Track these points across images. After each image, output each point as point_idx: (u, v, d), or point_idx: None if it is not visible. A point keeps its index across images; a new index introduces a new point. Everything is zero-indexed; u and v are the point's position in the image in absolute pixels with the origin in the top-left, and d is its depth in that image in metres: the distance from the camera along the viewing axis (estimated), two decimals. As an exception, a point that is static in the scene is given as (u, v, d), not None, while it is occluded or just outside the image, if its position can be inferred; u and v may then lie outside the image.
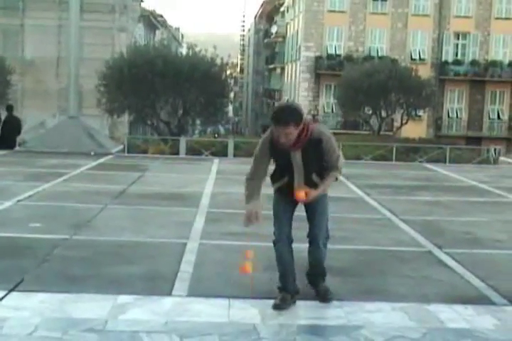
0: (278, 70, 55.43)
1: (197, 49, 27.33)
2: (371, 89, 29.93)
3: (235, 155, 20.21)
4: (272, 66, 57.70)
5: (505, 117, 43.52)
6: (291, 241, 5.35)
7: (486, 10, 42.88)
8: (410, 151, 23.78)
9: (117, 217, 9.28)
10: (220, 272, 6.37)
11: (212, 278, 6.17)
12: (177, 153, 21.07)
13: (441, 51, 43.18)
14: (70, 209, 9.72)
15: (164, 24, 60.07)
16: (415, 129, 36.73)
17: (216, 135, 38.98)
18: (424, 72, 36.97)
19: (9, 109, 20.75)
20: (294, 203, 5.33)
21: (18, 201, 10.20)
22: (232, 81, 31.80)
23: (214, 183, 13.17)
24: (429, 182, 15.00)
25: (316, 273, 5.53)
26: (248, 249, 5.29)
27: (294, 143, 5.03)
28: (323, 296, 5.45)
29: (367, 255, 7.40)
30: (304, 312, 5.20)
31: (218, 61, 26.65)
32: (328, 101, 42.77)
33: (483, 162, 22.58)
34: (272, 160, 5.30)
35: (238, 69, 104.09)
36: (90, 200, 10.51)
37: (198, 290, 5.74)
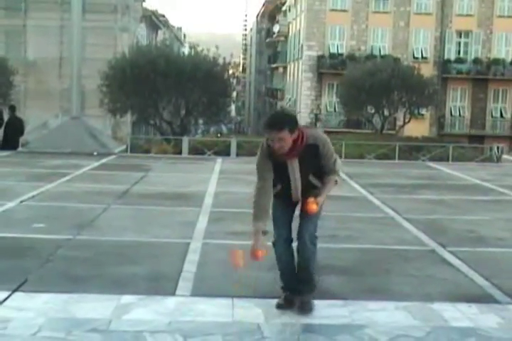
0: (280, 69, 55.40)
1: (199, 49, 27.35)
2: (374, 88, 29.90)
3: (237, 155, 20.20)
4: (274, 65, 57.65)
5: (508, 115, 43.43)
6: (291, 241, 5.30)
7: (488, 8, 42.79)
8: (413, 150, 23.75)
9: (120, 217, 9.29)
10: (224, 272, 6.36)
11: (215, 277, 6.17)
12: (180, 153, 21.07)
13: (443, 49, 43.11)
14: (73, 210, 9.73)
15: (166, 24, 60.06)
16: (418, 128, 36.68)
17: (219, 134, 38.95)
18: (427, 70, 36.92)
19: (12, 109, 20.77)
20: (293, 206, 5.29)
21: (22, 201, 10.21)
22: (234, 80, 31.77)
23: (217, 183, 13.16)
24: (432, 181, 14.98)
25: (303, 278, 5.25)
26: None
27: (290, 150, 4.97)
28: (302, 306, 5.18)
29: (370, 254, 7.40)
30: (308, 311, 5.19)
31: (220, 61, 26.65)
32: (330, 100, 42.73)
33: (486, 160, 22.55)
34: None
35: (240, 68, 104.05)
36: (93, 200, 10.52)
37: (202, 289, 5.74)
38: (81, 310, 5.09)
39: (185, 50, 48.94)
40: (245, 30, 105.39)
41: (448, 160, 21.82)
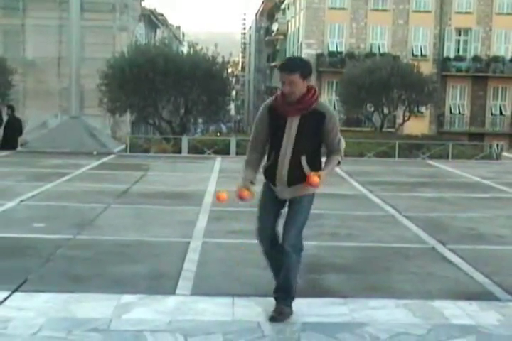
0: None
1: (198, 47, 27.31)
2: (373, 86, 29.90)
3: (237, 154, 20.19)
4: (273, 64, 57.57)
5: (507, 113, 43.42)
6: (274, 236, 5.03)
7: (488, 5, 42.77)
8: (413, 148, 23.78)
9: (120, 216, 9.28)
10: (224, 270, 6.36)
11: (215, 276, 6.17)
12: (179, 152, 21.07)
13: (442, 47, 43.09)
14: (73, 209, 9.72)
15: (165, 23, 60.04)
16: (418, 126, 36.68)
17: (218, 133, 38.97)
18: (426, 68, 36.90)
19: (11, 109, 20.78)
20: (281, 202, 5.04)
21: (21, 201, 10.21)
22: (233, 79, 31.69)
23: (217, 182, 13.16)
24: (432, 179, 14.98)
25: (281, 286, 5.03)
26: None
27: (296, 102, 4.78)
28: (276, 314, 4.94)
29: (370, 252, 7.40)
30: (308, 309, 5.19)
31: (219, 59, 26.63)
32: (330, 98, 42.69)
33: (485, 158, 22.57)
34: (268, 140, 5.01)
35: (239, 67, 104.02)
36: (93, 200, 10.51)
37: (202, 288, 5.73)
38: (81, 309, 5.09)
39: (184, 49, 48.98)
40: (244, 28, 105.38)
41: (448, 157, 21.83)
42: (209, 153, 21.06)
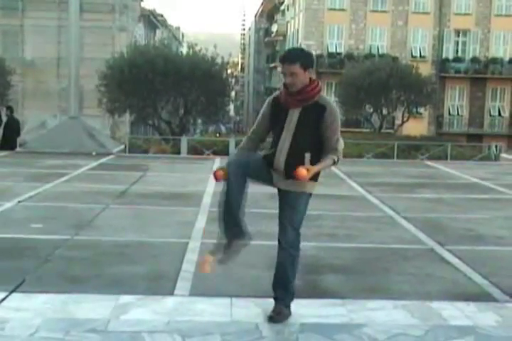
0: (279, 69, 55.34)
1: (197, 48, 27.33)
2: (372, 87, 29.93)
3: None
4: (272, 65, 57.59)
5: (506, 114, 43.47)
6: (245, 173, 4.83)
7: (486, 7, 42.82)
8: (412, 149, 23.80)
9: (119, 217, 9.28)
10: (222, 271, 6.35)
11: (214, 277, 6.15)
12: (178, 153, 21.07)
13: (441, 48, 43.14)
14: (71, 210, 9.71)
15: (164, 23, 60.02)
16: (416, 127, 36.70)
17: (217, 134, 38.98)
18: (425, 69, 36.93)
19: (10, 110, 20.80)
20: (270, 177, 4.89)
21: (19, 202, 10.20)
22: (233, 80, 31.78)
23: (215, 182, 13.12)
24: (430, 180, 14.98)
25: (279, 283, 5.00)
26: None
27: (298, 92, 4.75)
28: (274, 314, 4.91)
29: (369, 253, 7.39)
30: (306, 310, 5.19)
31: (219, 60, 26.66)
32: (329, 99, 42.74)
33: (484, 159, 22.59)
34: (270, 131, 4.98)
35: (239, 68, 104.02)
36: (92, 200, 10.50)
37: (200, 289, 5.73)
38: (79, 310, 5.08)
39: (184, 50, 48.91)
40: (244, 29, 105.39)
41: (446, 158, 21.85)
42: (208, 154, 21.06)
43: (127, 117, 30.61)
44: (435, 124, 42.94)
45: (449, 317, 5.13)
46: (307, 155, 4.78)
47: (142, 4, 46.57)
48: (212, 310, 5.17)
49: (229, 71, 31.43)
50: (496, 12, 42.94)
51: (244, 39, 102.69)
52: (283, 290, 5.00)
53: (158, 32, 55.16)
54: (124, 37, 34.32)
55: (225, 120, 40.91)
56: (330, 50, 42.76)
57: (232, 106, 57.37)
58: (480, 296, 5.74)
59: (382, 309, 5.28)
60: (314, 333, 4.73)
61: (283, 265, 4.96)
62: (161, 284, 5.88)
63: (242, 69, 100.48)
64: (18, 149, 19.57)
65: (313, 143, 4.81)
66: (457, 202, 11.55)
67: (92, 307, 5.15)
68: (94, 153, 18.52)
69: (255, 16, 76.49)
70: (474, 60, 42.84)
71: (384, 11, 42.71)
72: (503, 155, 23.46)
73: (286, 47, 51.03)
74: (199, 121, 29.15)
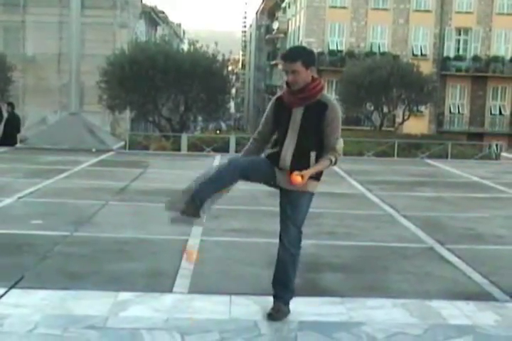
0: (280, 66, 55.34)
1: (198, 45, 27.32)
2: (373, 85, 29.92)
3: (236, 152, 20.18)
4: (273, 62, 57.55)
5: (507, 113, 43.44)
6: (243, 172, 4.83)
7: (488, 5, 42.76)
8: (412, 147, 23.82)
9: (118, 213, 9.27)
10: (221, 269, 6.35)
11: (213, 274, 6.16)
12: (179, 150, 21.07)
13: (442, 47, 43.08)
14: (70, 206, 9.71)
15: (165, 20, 59.94)
16: (417, 125, 36.70)
17: (218, 131, 38.98)
18: (426, 67, 36.91)
19: (11, 106, 20.80)
20: (274, 179, 4.89)
21: (19, 198, 10.19)
22: (233, 77, 31.76)
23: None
24: (430, 178, 14.97)
25: (279, 281, 5.00)
26: None
27: (300, 90, 4.74)
28: (273, 312, 4.92)
29: (368, 251, 7.38)
30: (305, 308, 5.18)
31: (220, 57, 26.65)
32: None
33: (485, 158, 22.59)
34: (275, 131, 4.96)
35: (240, 65, 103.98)
36: (91, 197, 10.50)
37: (199, 286, 5.72)
38: (78, 306, 5.08)
39: (185, 47, 48.90)
40: (245, 26, 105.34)
41: (447, 157, 21.85)
42: (208, 151, 21.05)
43: (127, 114, 30.62)
44: (436, 123, 42.91)
45: (448, 316, 5.12)
46: (312, 154, 4.79)
47: (143, 1, 46.56)
48: (211, 307, 5.17)
49: (229, 68, 31.38)
50: (498, 10, 42.89)
51: (245, 36, 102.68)
52: (283, 288, 5.01)
53: (159, 29, 55.10)
54: (125, 33, 34.32)
55: (226, 117, 40.87)
56: (331, 48, 42.71)
57: (232, 104, 57.40)
58: (479, 295, 5.73)
59: (381, 307, 5.28)
60: (313, 331, 4.73)
61: (284, 264, 4.96)
62: (160, 281, 5.88)
63: (243, 66, 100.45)
64: (18, 145, 19.55)
65: (317, 141, 4.81)
66: (457, 200, 11.55)
67: (90, 303, 5.15)
68: (94, 150, 18.51)
69: (256, 13, 76.43)
70: (475, 58, 42.80)
71: (385, 9, 42.66)
72: (504, 154, 23.42)
73: (287, 45, 51.02)
74: (199, 118, 29.16)
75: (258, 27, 74.08)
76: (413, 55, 42.01)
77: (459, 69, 42.87)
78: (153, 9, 51.20)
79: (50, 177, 12.62)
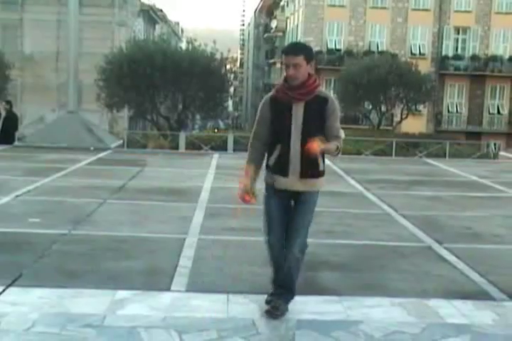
0: (278, 65, 55.28)
1: (196, 44, 27.30)
2: (371, 84, 29.93)
3: (234, 150, 20.20)
4: (271, 61, 57.54)
5: (505, 112, 43.46)
6: (283, 245, 4.95)
7: (486, 4, 42.77)
8: (410, 146, 23.83)
9: (116, 212, 9.26)
10: (219, 267, 6.35)
11: (211, 273, 6.16)
12: (177, 148, 21.06)
13: (441, 46, 43.10)
14: (68, 204, 9.70)
15: (164, 19, 59.86)
16: (415, 124, 36.70)
17: (216, 130, 38.97)
18: (424, 66, 36.93)
19: (10, 104, 20.78)
20: (288, 207, 4.98)
21: (17, 196, 10.18)
22: (231, 76, 31.78)
23: (213, 178, 13.14)
24: (428, 177, 14.98)
25: (283, 283, 5.02)
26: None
27: (299, 86, 4.77)
28: (270, 310, 4.94)
29: (366, 250, 7.39)
30: (303, 307, 5.18)
31: (218, 56, 26.63)
32: (328, 95, 42.70)
33: (483, 157, 22.62)
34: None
35: (238, 63, 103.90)
36: (89, 195, 10.49)
37: (197, 285, 5.72)
38: (76, 305, 5.08)
39: (183, 45, 48.81)
40: (243, 25, 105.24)
41: (445, 156, 21.87)
42: (206, 150, 21.05)
43: (126, 112, 30.59)
44: (434, 122, 42.93)
45: (446, 315, 5.13)
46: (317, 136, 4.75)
47: (142, -1, 46.46)
48: (208, 305, 5.17)
49: (228, 67, 31.41)
50: (496, 9, 42.90)
51: (243, 35, 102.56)
52: (287, 289, 5.04)
53: (157, 27, 55.04)
54: (124, 32, 34.27)
55: (224, 116, 40.81)
56: (329, 47, 42.70)
57: (230, 102, 57.42)
58: (477, 294, 5.73)
59: (379, 306, 5.28)
60: (311, 330, 4.73)
61: (290, 268, 4.98)
62: (157, 279, 5.88)
63: (241, 64, 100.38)
64: (16, 143, 19.54)
65: (320, 132, 4.82)
66: (455, 199, 11.55)
67: (88, 302, 5.15)
68: (92, 148, 18.49)
69: (255, 12, 76.38)
70: (474, 57, 42.81)
71: (384, 8, 42.66)
72: (502, 153, 23.45)
73: (286, 44, 51.05)
74: (197, 116, 29.13)
75: (256, 25, 74.05)
76: (411, 53, 42.02)
77: (457, 68, 42.89)
78: (151, 7, 51.12)
79: (48, 175, 12.62)
